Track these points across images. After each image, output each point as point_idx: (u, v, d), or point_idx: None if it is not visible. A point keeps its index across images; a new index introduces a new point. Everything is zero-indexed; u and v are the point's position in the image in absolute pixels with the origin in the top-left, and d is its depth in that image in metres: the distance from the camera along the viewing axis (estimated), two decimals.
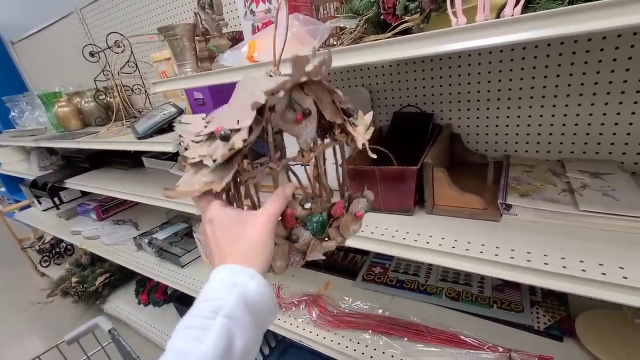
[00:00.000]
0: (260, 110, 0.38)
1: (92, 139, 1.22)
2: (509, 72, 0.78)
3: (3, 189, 3.37)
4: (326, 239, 0.45)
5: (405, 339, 0.82)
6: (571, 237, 0.56)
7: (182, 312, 1.49)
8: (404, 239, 0.64)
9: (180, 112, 1.10)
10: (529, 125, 0.80)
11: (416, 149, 0.73)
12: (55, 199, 1.76)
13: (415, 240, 0.63)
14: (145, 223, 1.76)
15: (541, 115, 0.78)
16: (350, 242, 0.69)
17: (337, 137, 0.44)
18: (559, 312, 0.81)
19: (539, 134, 0.79)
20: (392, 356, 0.79)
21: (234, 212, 0.37)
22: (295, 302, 0.99)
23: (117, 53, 1.32)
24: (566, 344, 0.75)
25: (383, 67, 0.94)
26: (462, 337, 0.79)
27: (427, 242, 0.61)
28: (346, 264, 1.14)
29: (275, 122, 0.39)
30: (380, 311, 0.91)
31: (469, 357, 0.75)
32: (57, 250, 2.43)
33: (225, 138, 0.37)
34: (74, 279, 1.95)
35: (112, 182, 1.42)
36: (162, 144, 0.95)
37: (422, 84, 0.90)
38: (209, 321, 0.28)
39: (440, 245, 0.60)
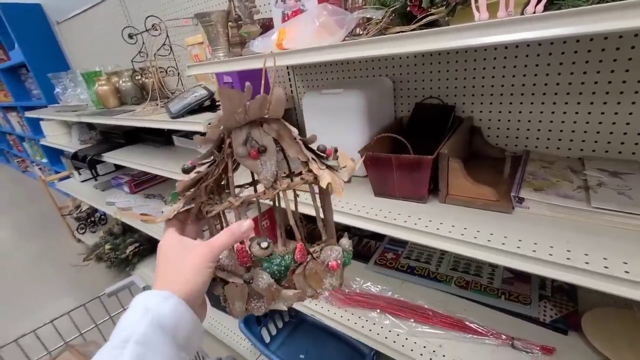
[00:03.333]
0: (220, 146, 0.40)
1: (129, 117, 1.31)
2: (534, 67, 0.78)
3: (45, 160, 3.63)
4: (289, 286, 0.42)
5: (412, 320, 0.86)
6: (580, 232, 0.57)
7: None
8: (415, 224, 0.67)
9: (211, 95, 1.16)
10: (551, 121, 0.80)
11: (435, 140, 0.75)
12: (93, 171, 1.89)
13: (426, 226, 0.66)
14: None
15: (564, 112, 0.77)
16: (362, 224, 0.74)
17: (304, 176, 0.42)
18: (567, 307, 0.82)
19: (561, 130, 0.79)
20: (398, 334, 0.84)
21: (181, 241, 0.38)
22: None
23: (154, 36, 1.39)
24: (571, 337, 0.76)
25: (407, 57, 0.96)
26: (467, 322, 0.82)
27: (437, 229, 0.64)
28: (360, 247, 1.19)
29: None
30: (389, 294, 0.96)
31: (472, 342, 0.79)
32: (92, 219, 2.62)
33: (186, 171, 0.41)
34: (107, 246, 2.11)
35: (144, 157, 1.52)
36: (194, 124, 1.01)
37: (446, 76, 0.91)
38: (119, 351, 0.29)
39: (449, 232, 0.63)
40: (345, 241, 0.45)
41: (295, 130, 0.41)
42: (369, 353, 1.04)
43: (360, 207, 0.77)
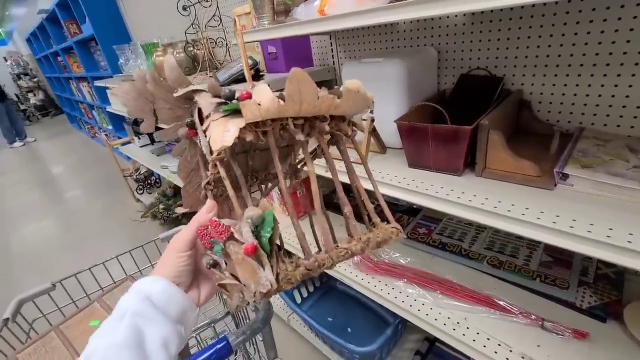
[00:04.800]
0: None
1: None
2: (599, 35, 0.71)
3: (110, 127, 4.02)
4: None
5: (438, 292, 0.87)
6: (626, 212, 0.54)
7: None
8: (448, 195, 0.67)
9: (255, 64, 1.20)
10: (613, 95, 0.73)
11: (479, 114, 0.72)
12: (151, 137, 2.07)
13: (459, 198, 0.65)
14: None
15: (630, 86, 0.70)
16: (395, 193, 0.75)
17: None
18: (610, 296, 0.78)
19: (624, 106, 0.72)
20: (423, 304, 0.86)
21: (181, 229, 0.39)
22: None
23: (205, 7, 1.45)
24: (609, 325, 0.73)
25: (455, 25, 0.91)
26: (495, 299, 0.82)
27: (470, 200, 0.64)
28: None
29: None
30: (418, 267, 0.97)
31: (499, 318, 0.78)
32: (149, 181, 2.89)
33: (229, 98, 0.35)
34: (161, 206, 2.33)
35: None
36: (238, 91, 1.07)
37: (495, 46, 0.86)
38: (117, 323, 0.32)
39: (482, 204, 0.62)
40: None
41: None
42: (394, 322, 1.08)
43: (393, 177, 0.78)
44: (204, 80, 1.40)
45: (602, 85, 0.73)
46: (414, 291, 0.90)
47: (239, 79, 1.19)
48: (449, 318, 0.81)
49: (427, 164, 0.77)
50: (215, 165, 0.34)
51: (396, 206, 1.28)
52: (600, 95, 0.74)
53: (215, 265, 0.34)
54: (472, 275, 0.91)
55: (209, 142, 0.32)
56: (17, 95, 8.73)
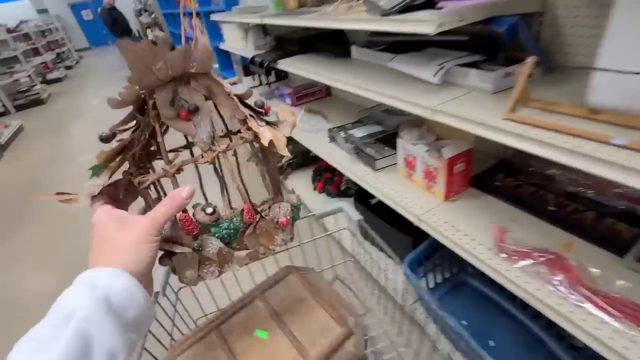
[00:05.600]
0: (143, 108, 0.37)
1: (324, 17, 1.15)
2: None
3: (216, 65, 4.08)
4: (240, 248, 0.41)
5: None
6: None
7: (362, 213, 1.53)
8: None
9: None
10: None
11: None
12: (267, 77, 1.92)
13: None
14: (334, 117, 1.78)
15: None
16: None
17: (243, 134, 0.40)
18: None
19: None
20: None
21: (117, 216, 0.35)
22: (527, 253, 0.79)
23: None
24: None
25: None
26: None
27: None
28: (602, 229, 0.84)
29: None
30: None
31: None
32: None
33: (104, 140, 0.36)
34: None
35: (318, 67, 1.39)
36: (418, 22, 0.76)
37: None
38: (58, 330, 0.26)
39: None
40: (293, 196, 0.46)
41: (228, 86, 0.40)
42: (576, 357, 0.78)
43: None
44: (349, 10, 1.11)
45: None
46: None
47: (409, 7, 0.87)
48: None
49: None
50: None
51: (600, 205, 0.90)
52: None
53: (200, 249, 0.39)
54: None
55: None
56: (137, 31, 9.63)
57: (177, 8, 5.20)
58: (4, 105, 5.88)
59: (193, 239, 0.39)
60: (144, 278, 0.33)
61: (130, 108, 0.37)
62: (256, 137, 0.39)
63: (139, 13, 9.69)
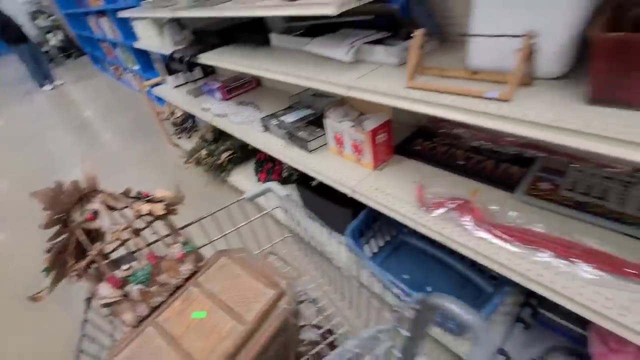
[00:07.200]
0: (65, 221, 0.55)
1: (234, 6, 1.15)
2: None
3: (137, 67, 3.79)
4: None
5: (592, 265, 0.69)
6: None
7: (303, 195, 1.59)
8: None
9: None
10: None
11: None
12: (189, 74, 1.85)
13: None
14: (266, 107, 1.79)
15: None
16: (567, 139, 0.53)
17: (134, 211, 0.58)
18: None
19: None
20: (568, 279, 0.69)
21: None
22: (441, 203, 0.91)
23: None
24: None
25: None
26: None
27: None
28: (499, 173, 0.99)
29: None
30: (551, 232, 0.78)
31: None
32: (185, 126, 2.74)
33: (48, 251, 0.54)
34: (203, 152, 2.20)
35: (241, 58, 1.39)
36: (320, 5, 0.81)
37: None
38: None
39: None
40: (181, 238, 0.61)
41: (114, 192, 0.59)
42: (500, 290, 0.93)
43: (564, 118, 0.55)
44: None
45: None
46: (554, 262, 0.72)
47: None
48: (610, 299, 0.64)
49: (631, 99, 0.53)
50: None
51: (498, 154, 1.06)
52: None
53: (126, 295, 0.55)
54: (634, 246, 0.72)
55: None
56: (36, 37, 8.47)
57: (78, 7, 4.69)
58: None
59: (120, 290, 0.53)
60: None
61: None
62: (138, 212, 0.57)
63: (33, 16, 8.51)
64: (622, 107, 0.54)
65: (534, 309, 1.02)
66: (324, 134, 1.30)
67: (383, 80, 0.87)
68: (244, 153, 2.16)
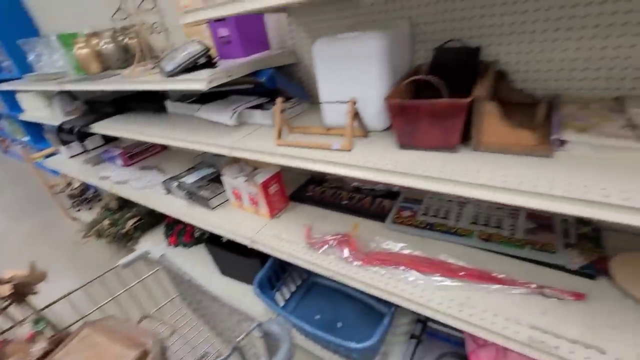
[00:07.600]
0: None
1: (119, 80, 1.20)
2: None
3: (27, 138, 3.44)
4: None
5: (437, 274, 0.85)
6: (626, 171, 0.54)
7: (213, 253, 1.58)
8: (450, 173, 0.63)
9: (207, 50, 1.06)
10: (585, 59, 0.74)
11: (460, 88, 0.68)
12: (84, 144, 1.79)
13: (463, 175, 0.62)
14: (171, 169, 1.79)
15: (604, 47, 0.71)
16: (386, 178, 0.69)
17: None
18: (594, 253, 0.81)
19: (597, 68, 0.74)
20: (423, 290, 0.83)
21: None
22: (326, 241, 1.02)
23: None
24: (599, 282, 0.76)
25: None
26: (493, 274, 0.81)
27: (474, 177, 0.60)
28: (374, 208, 1.16)
29: None
30: (410, 251, 0.94)
31: (500, 292, 0.78)
32: (86, 196, 2.53)
33: None
34: (105, 222, 2.05)
35: (137, 126, 1.42)
36: (195, 81, 0.92)
37: (470, 14, 0.83)
38: None
39: (490, 179, 0.59)
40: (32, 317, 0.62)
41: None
42: (389, 310, 1.05)
43: (386, 161, 0.72)
44: (145, 72, 1.20)
45: (577, 48, 0.74)
46: (412, 277, 0.86)
47: (189, 68, 1.03)
48: (452, 300, 0.79)
49: (422, 143, 0.72)
50: None
51: (374, 191, 1.24)
52: (575, 59, 0.75)
53: None
54: (465, 252, 0.90)
55: None
56: None
57: None
58: None
59: None
60: None
61: None
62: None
63: None
64: (416, 149, 0.73)
65: (423, 324, 1.16)
66: (224, 191, 1.36)
67: (260, 140, 1.00)
68: (153, 218, 2.07)
